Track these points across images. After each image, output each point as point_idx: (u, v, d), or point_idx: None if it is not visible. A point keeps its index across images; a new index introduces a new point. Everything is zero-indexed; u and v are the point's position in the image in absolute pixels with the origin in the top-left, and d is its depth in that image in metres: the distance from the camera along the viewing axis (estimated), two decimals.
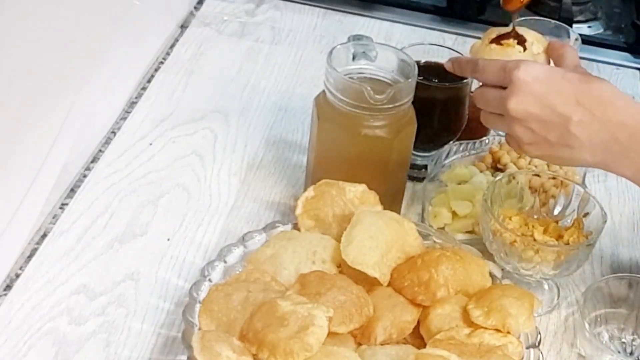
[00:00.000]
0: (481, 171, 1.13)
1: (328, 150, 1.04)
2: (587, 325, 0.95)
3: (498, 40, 1.01)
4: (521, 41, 1.00)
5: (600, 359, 0.94)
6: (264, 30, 1.43)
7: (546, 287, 1.03)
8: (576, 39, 1.22)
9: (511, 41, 1.00)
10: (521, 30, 1.02)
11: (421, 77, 1.04)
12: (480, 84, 0.98)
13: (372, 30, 1.44)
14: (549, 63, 1.00)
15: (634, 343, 0.99)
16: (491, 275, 0.96)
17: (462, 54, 1.14)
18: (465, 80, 1.12)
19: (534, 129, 0.91)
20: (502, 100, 0.92)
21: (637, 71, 1.45)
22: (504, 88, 0.93)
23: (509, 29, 1.02)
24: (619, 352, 0.96)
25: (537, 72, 0.91)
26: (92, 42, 1.11)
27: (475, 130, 1.19)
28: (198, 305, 0.89)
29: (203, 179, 1.13)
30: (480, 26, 1.47)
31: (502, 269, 0.99)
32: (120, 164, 1.14)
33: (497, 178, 1.02)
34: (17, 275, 0.98)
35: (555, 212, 1.03)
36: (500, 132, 1.26)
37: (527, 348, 0.89)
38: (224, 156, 1.17)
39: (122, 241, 1.03)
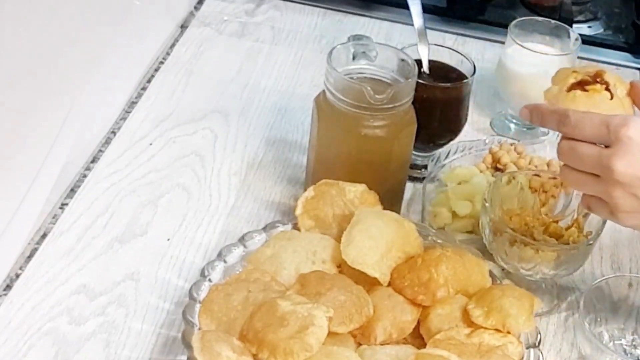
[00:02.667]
0: (481, 171, 1.13)
1: (328, 150, 1.04)
2: (587, 325, 0.95)
3: (581, 85, 0.90)
4: (606, 85, 0.90)
5: (600, 359, 0.94)
6: (264, 30, 1.43)
7: (546, 287, 1.03)
8: (576, 39, 1.22)
9: (598, 87, 0.89)
10: (591, 68, 0.93)
11: (421, 77, 1.04)
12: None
13: (372, 30, 1.44)
14: (633, 108, 0.91)
15: (634, 343, 0.99)
16: (491, 275, 0.96)
17: (463, 55, 1.14)
18: (465, 80, 1.12)
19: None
20: (604, 160, 0.81)
21: (637, 71, 1.44)
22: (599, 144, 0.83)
23: (586, 69, 0.92)
24: (619, 352, 0.96)
25: None
26: (92, 42, 1.11)
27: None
28: (198, 305, 0.89)
29: (203, 179, 1.13)
30: (481, 26, 1.47)
31: (502, 269, 0.99)
32: (120, 164, 1.14)
33: (497, 178, 1.02)
34: (17, 275, 0.98)
35: (555, 212, 1.03)
36: (500, 132, 1.26)
37: (527, 348, 0.89)
38: (224, 156, 1.17)
39: (122, 241, 1.03)
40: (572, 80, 0.91)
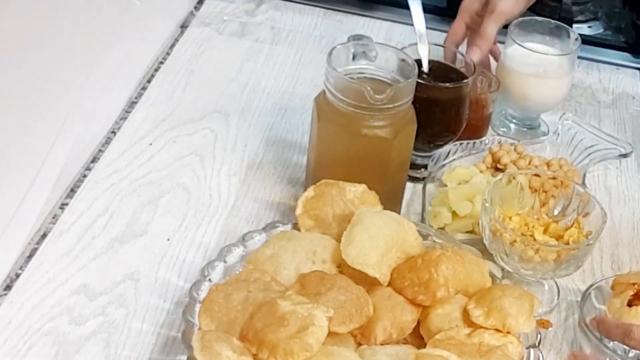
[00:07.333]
0: (481, 171, 1.13)
1: (328, 150, 1.04)
2: (587, 325, 0.95)
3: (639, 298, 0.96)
4: None
5: (600, 359, 0.94)
6: (264, 30, 1.43)
7: (546, 287, 1.03)
8: (576, 39, 1.22)
9: None
10: None
11: (421, 77, 1.04)
12: None
13: (372, 30, 1.44)
14: None
15: None
16: (491, 275, 0.96)
17: (462, 54, 1.14)
18: (465, 80, 1.12)
19: None
20: None
21: (637, 71, 1.45)
22: None
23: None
24: (619, 353, 0.96)
25: None
26: (92, 42, 1.11)
27: (475, 130, 1.19)
28: (198, 305, 0.89)
29: (203, 179, 1.13)
30: None
31: (502, 269, 0.99)
32: (120, 164, 1.14)
33: (497, 178, 1.02)
34: (17, 275, 0.98)
35: (555, 212, 1.03)
36: (500, 132, 1.26)
37: (527, 348, 0.89)
38: (224, 156, 1.17)
39: (122, 241, 1.03)
40: (631, 293, 0.96)
